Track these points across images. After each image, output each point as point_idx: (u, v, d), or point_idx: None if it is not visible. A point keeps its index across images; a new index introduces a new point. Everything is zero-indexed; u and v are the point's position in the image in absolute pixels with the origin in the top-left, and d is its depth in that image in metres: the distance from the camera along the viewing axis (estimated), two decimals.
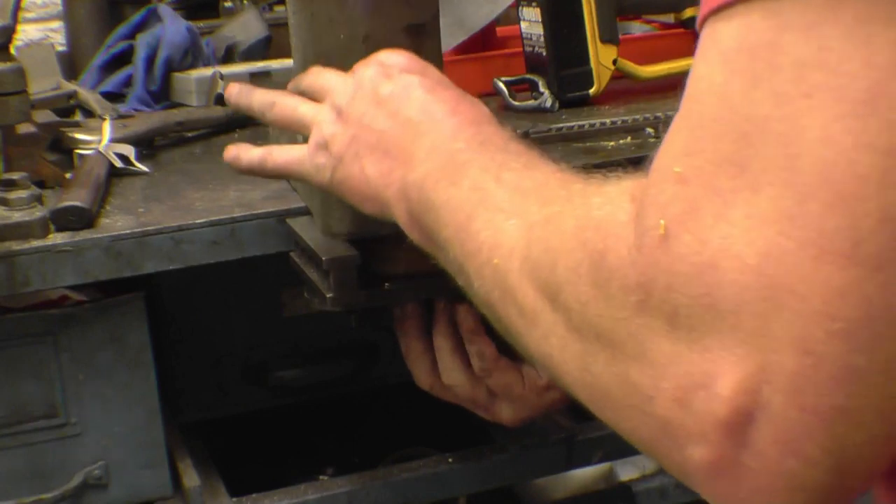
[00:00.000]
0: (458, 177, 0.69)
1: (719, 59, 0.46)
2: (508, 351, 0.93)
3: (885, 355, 0.43)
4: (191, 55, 1.45)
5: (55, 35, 1.83)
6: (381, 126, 0.78)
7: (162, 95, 1.43)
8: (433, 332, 0.94)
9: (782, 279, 0.43)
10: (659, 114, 1.22)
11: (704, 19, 0.47)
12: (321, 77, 0.85)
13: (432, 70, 0.82)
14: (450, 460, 1.08)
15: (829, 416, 0.44)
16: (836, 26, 0.42)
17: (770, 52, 0.44)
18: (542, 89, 1.30)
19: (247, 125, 1.33)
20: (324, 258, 0.84)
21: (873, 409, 0.44)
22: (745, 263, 0.44)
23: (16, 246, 0.89)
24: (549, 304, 0.55)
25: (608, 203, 0.52)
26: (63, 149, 1.12)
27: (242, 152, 0.90)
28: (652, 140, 1.13)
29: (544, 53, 1.30)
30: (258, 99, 0.89)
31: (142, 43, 1.44)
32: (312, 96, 0.85)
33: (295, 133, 0.88)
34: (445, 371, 0.94)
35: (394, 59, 0.82)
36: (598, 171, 0.60)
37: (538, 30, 1.30)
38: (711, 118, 0.46)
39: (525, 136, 1.15)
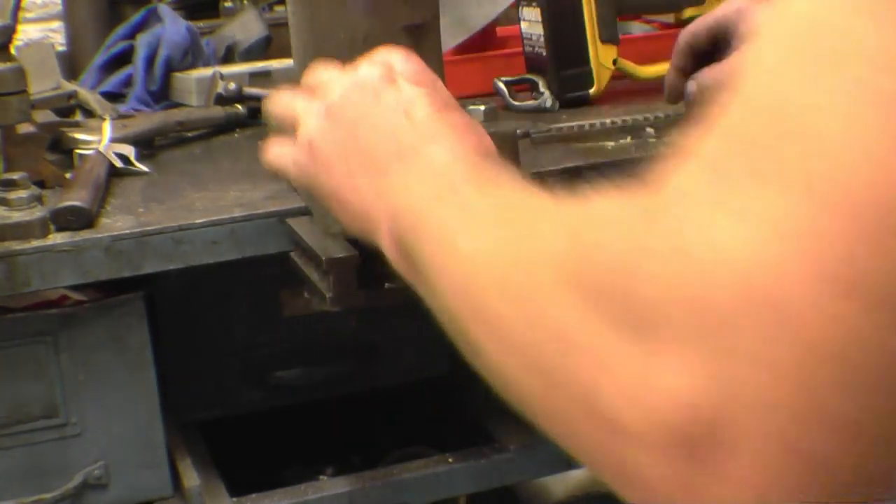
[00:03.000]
0: (451, 198, 0.61)
1: (776, 36, 0.40)
2: None
3: (877, 405, 0.38)
4: (191, 55, 1.45)
5: (55, 35, 1.83)
6: (375, 136, 0.71)
7: (162, 95, 1.43)
8: None
9: (784, 300, 0.37)
10: (659, 114, 1.22)
11: None
12: (318, 72, 0.79)
13: (441, 87, 0.76)
14: (450, 460, 1.08)
15: (820, 467, 0.38)
16: None
17: (835, 37, 0.38)
18: (542, 89, 1.30)
19: (247, 125, 1.33)
20: (324, 258, 0.84)
21: (868, 473, 0.39)
22: (737, 266, 0.38)
23: (16, 246, 0.89)
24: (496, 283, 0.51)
25: (606, 198, 0.46)
26: (63, 149, 1.12)
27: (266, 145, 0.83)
28: (652, 140, 1.13)
29: (544, 53, 1.30)
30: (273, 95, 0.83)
31: (142, 43, 1.44)
32: (310, 93, 0.79)
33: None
34: None
35: (402, 65, 0.75)
36: None
37: (538, 30, 1.30)
38: (751, 97, 0.40)
39: (525, 136, 1.15)
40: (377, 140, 0.70)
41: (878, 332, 0.37)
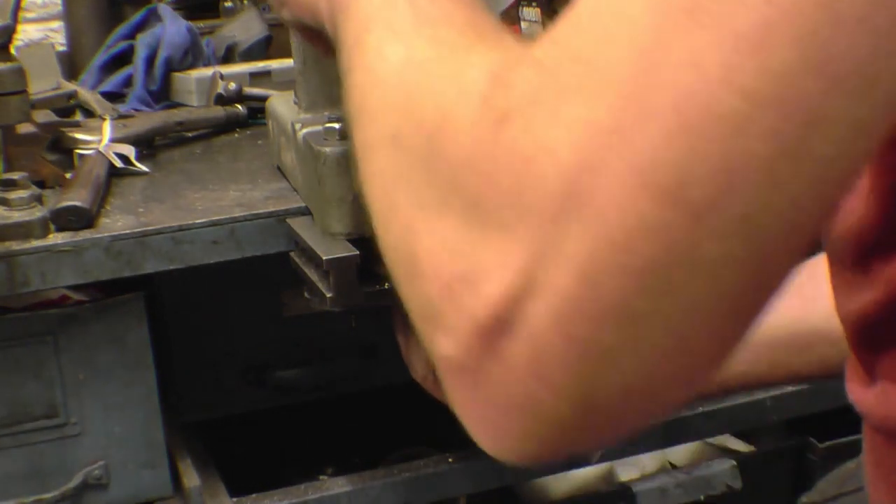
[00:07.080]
0: None
1: None
2: None
3: (671, 308, 0.40)
4: (191, 55, 1.45)
5: (55, 35, 1.83)
6: None
7: (162, 95, 1.43)
8: None
9: (591, 196, 0.40)
10: None
11: None
12: None
13: None
14: (450, 460, 1.08)
15: (593, 351, 0.41)
16: None
17: None
18: None
19: (247, 125, 1.33)
20: (324, 258, 0.84)
21: (641, 358, 0.41)
22: (561, 168, 0.40)
23: (16, 246, 0.89)
24: (386, 146, 0.51)
25: (475, 68, 0.48)
26: (63, 149, 1.12)
27: None
28: None
29: None
30: None
31: (142, 43, 1.44)
32: None
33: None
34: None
35: None
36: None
37: (538, 30, 1.30)
38: (589, 11, 0.42)
39: None
40: None
41: (692, 242, 0.40)
